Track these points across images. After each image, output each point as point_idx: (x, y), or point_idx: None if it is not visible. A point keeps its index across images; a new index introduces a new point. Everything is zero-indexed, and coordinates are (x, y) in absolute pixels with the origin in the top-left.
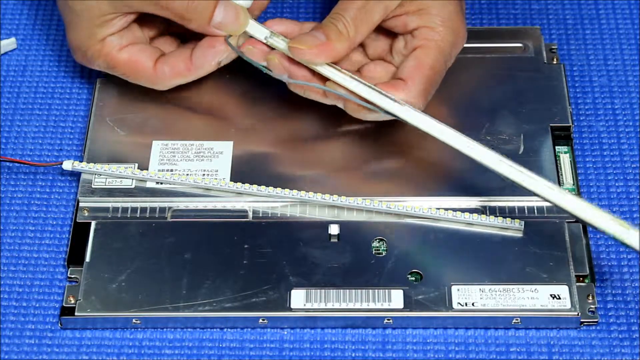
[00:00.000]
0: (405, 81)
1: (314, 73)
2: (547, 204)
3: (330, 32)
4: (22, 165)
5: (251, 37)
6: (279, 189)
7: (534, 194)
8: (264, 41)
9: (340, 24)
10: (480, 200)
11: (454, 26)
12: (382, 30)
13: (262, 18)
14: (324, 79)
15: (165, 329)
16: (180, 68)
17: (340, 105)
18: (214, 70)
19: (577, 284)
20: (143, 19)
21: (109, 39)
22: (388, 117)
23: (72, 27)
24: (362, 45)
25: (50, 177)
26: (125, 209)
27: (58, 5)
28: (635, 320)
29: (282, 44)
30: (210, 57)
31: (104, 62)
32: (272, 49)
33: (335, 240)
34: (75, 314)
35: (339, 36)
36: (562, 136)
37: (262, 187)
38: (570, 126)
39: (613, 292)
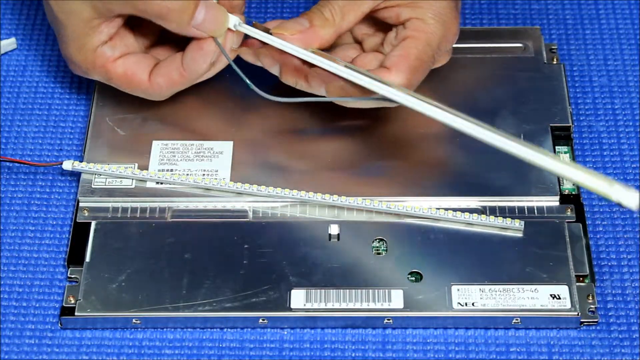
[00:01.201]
0: (389, 69)
1: (305, 62)
2: (547, 204)
3: (315, 18)
4: (22, 165)
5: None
6: (279, 189)
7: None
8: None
9: (326, 11)
10: (480, 200)
11: (446, 20)
12: (378, 26)
13: (261, 19)
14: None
15: (165, 329)
16: (174, 77)
17: (322, 92)
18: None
19: (577, 284)
20: (137, 27)
21: (100, 50)
22: (371, 104)
23: (63, 40)
24: (358, 41)
25: (50, 177)
26: (125, 209)
27: (50, 22)
28: (635, 320)
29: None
30: (201, 60)
31: (101, 73)
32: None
33: (335, 240)
34: (75, 314)
35: (324, 22)
36: (562, 136)
37: (262, 187)
38: (570, 126)
39: (613, 292)
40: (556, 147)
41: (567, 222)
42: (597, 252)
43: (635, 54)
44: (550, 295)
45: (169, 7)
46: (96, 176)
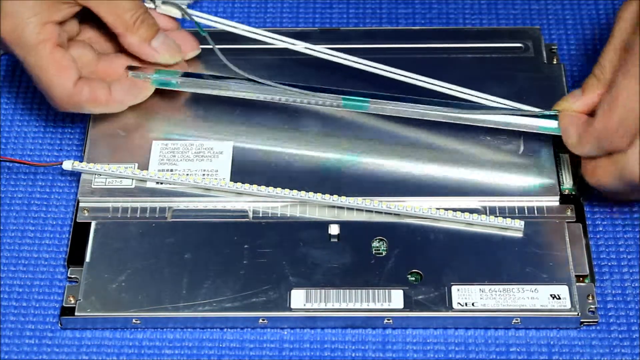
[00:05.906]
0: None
1: None
2: (547, 204)
3: (587, 83)
4: (22, 165)
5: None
6: (279, 189)
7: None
8: None
9: (597, 70)
10: (480, 200)
11: None
12: None
13: (261, 20)
14: None
15: (165, 329)
16: (100, 97)
17: None
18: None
19: (577, 284)
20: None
21: (51, 27)
22: None
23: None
24: None
25: (50, 177)
26: (125, 209)
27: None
28: (635, 320)
29: None
30: (131, 97)
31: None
32: None
33: (335, 240)
34: (75, 314)
35: (591, 86)
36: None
37: (262, 187)
38: None
39: (613, 292)
40: (556, 147)
41: (567, 222)
42: (597, 252)
43: None
44: (550, 295)
45: (139, 19)
46: (96, 176)
